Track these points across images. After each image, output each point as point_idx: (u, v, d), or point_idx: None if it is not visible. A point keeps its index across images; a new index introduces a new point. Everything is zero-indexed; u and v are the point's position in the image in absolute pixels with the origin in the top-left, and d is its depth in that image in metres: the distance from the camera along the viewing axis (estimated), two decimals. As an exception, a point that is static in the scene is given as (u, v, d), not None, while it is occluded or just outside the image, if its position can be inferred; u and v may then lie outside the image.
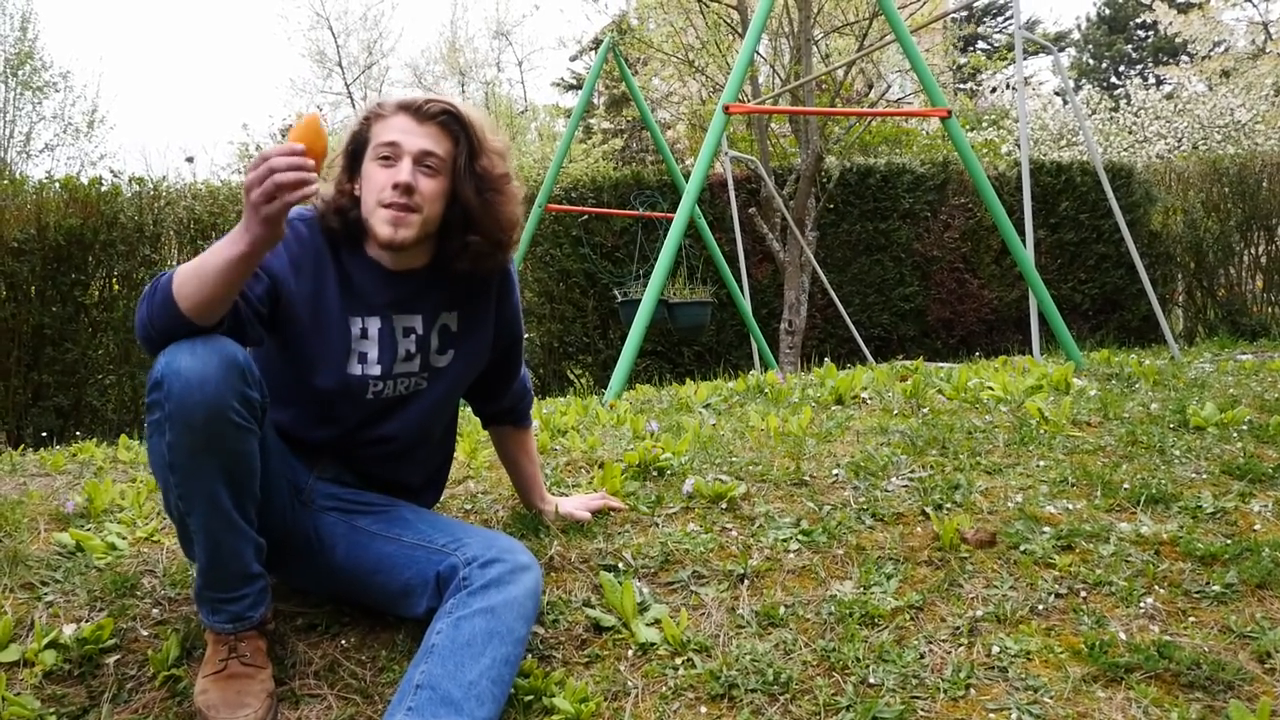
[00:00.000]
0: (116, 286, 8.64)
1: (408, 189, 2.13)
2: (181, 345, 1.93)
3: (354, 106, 24.69)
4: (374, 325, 2.25)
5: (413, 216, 2.15)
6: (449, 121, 2.19)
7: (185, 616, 2.33)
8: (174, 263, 8.86)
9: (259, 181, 1.75)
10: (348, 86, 24.99)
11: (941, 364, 7.70)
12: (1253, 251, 13.49)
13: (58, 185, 8.58)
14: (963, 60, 18.57)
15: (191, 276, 1.88)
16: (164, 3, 51.45)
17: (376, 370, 2.27)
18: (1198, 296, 13.55)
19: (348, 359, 2.24)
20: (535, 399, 4.84)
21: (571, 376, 10.72)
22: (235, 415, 1.93)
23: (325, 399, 2.26)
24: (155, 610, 2.36)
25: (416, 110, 2.18)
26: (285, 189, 1.75)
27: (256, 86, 50.51)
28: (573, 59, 29.97)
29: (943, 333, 12.39)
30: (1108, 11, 38.95)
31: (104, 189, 8.57)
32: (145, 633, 2.28)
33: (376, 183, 2.16)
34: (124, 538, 2.74)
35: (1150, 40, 36.07)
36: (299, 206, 2.01)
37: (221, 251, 1.84)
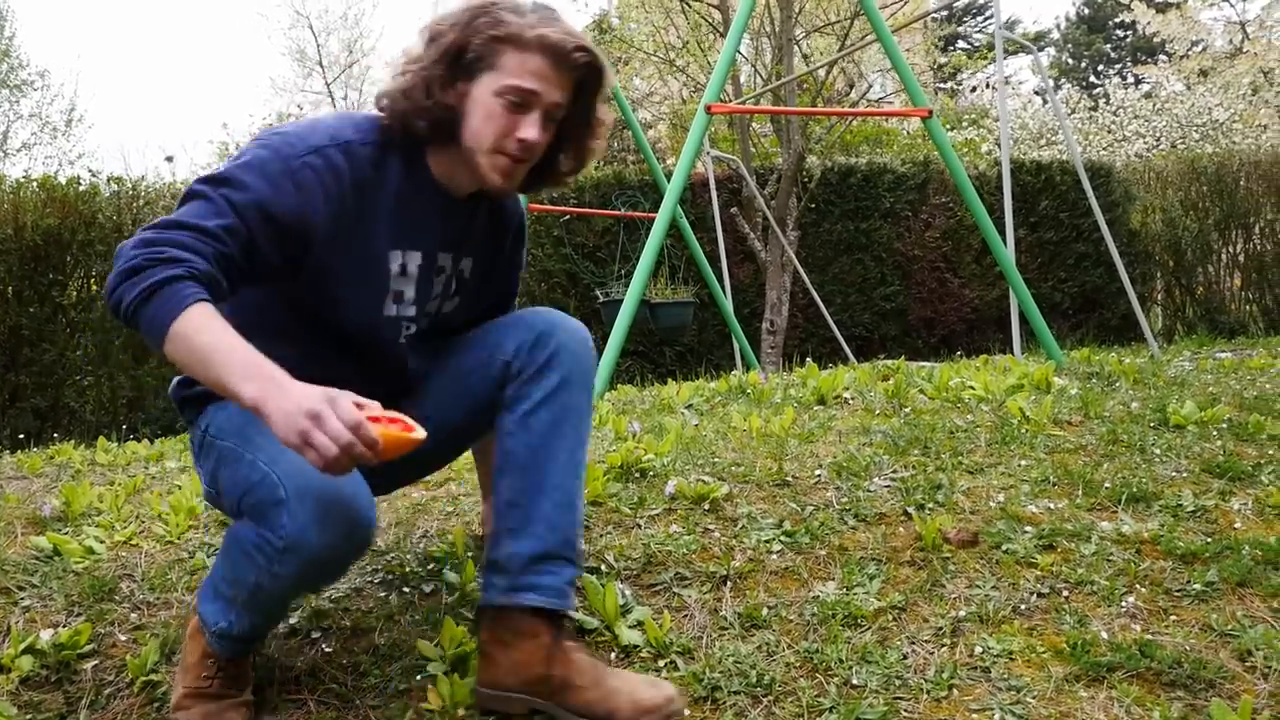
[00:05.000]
0: (95, 287, 8.57)
1: (535, 148, 1.97)
2: (343, 483, 1.73)
3: (334, 106, 24.59)
4: (414, 261, 2.06)
5: (524, 166, 2.00)
6: (585, 76, 1.99)
7: (164, 621, 2.31)
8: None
9: (329, 445, 1.54)
10: (328, 86, 24.87)
11: (923, 363, 7.71)
12: (1230, 250, 13.57)
13: (35, 185, 8.51)
14: (943, 60, 18.64)
15: (189, 356, 1.64)
16: (143, 1, 51.16)
17: (411, 311, 2.10)
18: (1176, 294, 13.62)
19: (384, 299, 2.05)
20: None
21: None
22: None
23: (348, 340, 2.05)
24: (134, 615, 2.35)
25: (562, 57, 1.93)
26: (332, 461, 1.55)
27: (236, 85, 50.25)
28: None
29: (924, 332, 12.42)
30: (1086, 11, 39.13)
31: (82, 188, 8.51)
32: (123, 638, 2.26)
33: (498, 124, 1.93)
34: (102, 541, 2.72)
35: (1129, 40, 36.25)
36: (337, 130, 1.91)
37: (233, 381, 1.60)
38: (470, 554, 2.57)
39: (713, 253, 9.98)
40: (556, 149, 2.07)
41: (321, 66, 24.55)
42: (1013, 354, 6.11)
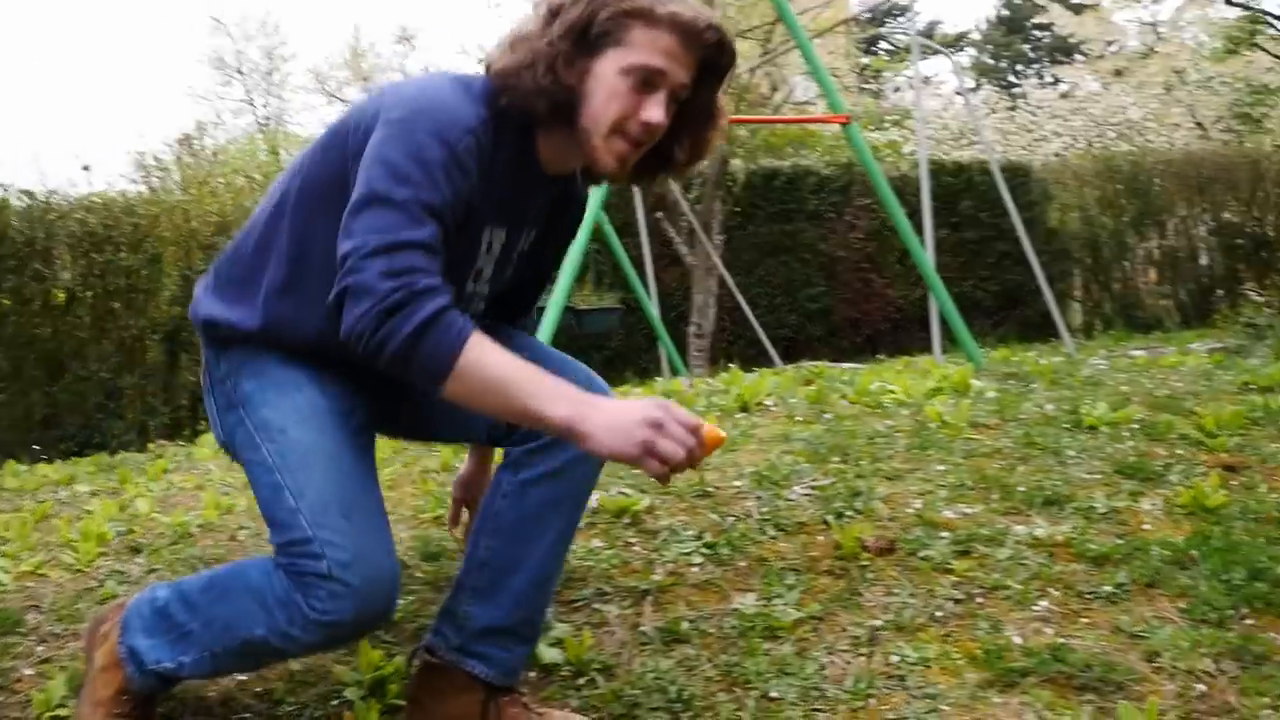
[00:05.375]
0: (7, 301, 8.36)
1: (657, 131, 1.82)
2: (384, 561, 1.74)
3: (255, 114, 24.27)
4: (499, 239, 1.94)
5: (639, 152, 1.84)
6: (713, 57, 1.84)
7: (72, 654, 2.25)
8: (67, 276, 8.59)
9: (677, 451, 1.55)
10: (248, 93, 24.55)
11: (847, 365, 7.78)
12: (1146, 246, 13.90)
13: (-58, 198, 8.29)
14: (866, 60, 18.85)
15: (482, 387, 1.61)
16: (58, 7, 49.99)
17: (485, 289, 2.00)
18: (1094, 291, 13.91)
19: (467, 277, 1.94)
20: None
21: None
22: None
23: None
24: (40, 648, 2.29)
25: (693, 36, 1.78)
26: (676, 467, 1.57)
27: (153, 93, 49.15)
28: (480, 64, 29.78)
29: (849, 332, 12.55)
30: (1005, 12, 39.76)
31: (-8, 202, 8.30)
32: (29, 672, 2.20)
33: (621, 104, 1.78)
34: (7, 571, 2.65)
35: (1047, 40, 36.87)
36: (474, 104, 1.77)
37: (539, 404, 1.60)
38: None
39: (638, 257, 10.00)
40: (671, 138, 1.91)
41: (240, 74, 24.22)
42: (933, 356, 6.19)
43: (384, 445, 3.64)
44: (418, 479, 3.21)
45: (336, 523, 1.72)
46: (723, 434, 1.64)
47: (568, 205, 2.12)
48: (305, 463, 1.78)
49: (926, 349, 9.84)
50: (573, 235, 2.25)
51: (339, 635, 1.74)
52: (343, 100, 24.47)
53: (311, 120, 27.26)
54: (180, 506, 3.09)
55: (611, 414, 1.57)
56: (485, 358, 1.61)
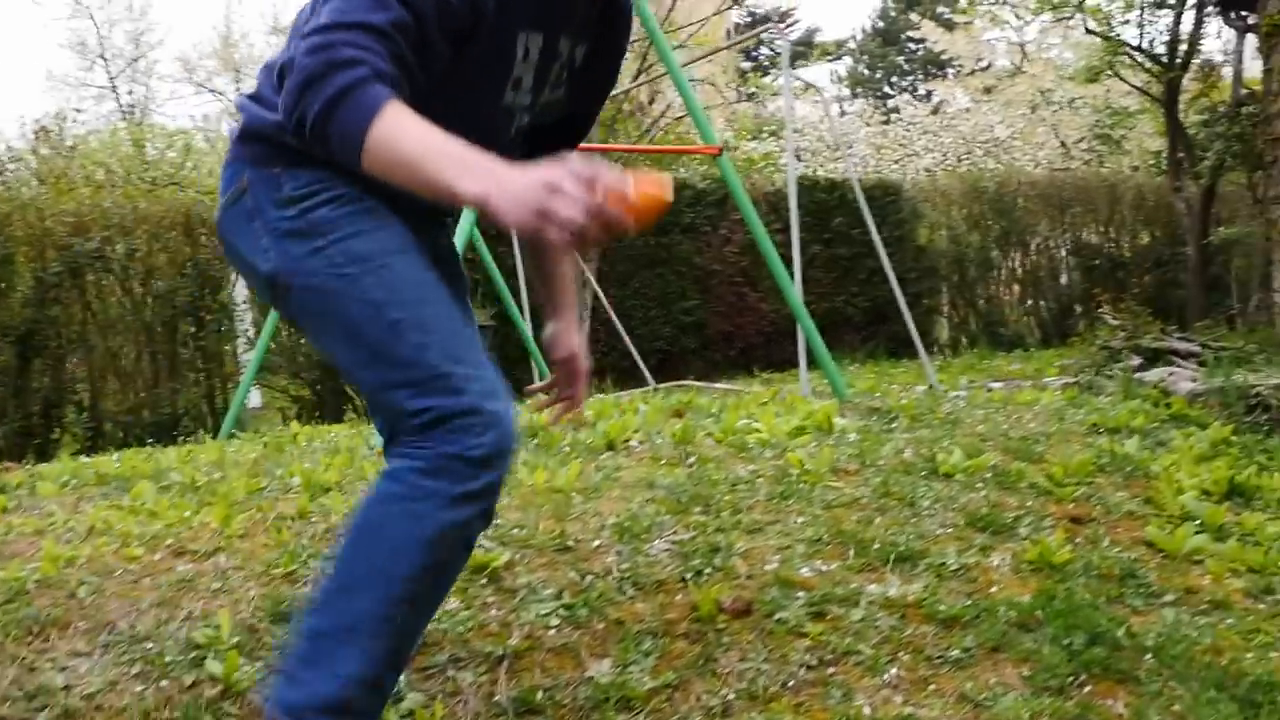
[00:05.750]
0: None
1: None
2: (506, 395, 1.67)
3: (119, 101, 23.46)
4: (536, 44, 1.82)
5: None
6: None
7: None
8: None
9: (574, 212, 1.40)
10: (112, 80, 23.71)
11: (719, 385, 7.86)
12: (1009, 264, 14.36)
13: None
14: (747, 65, 19.05)
15: (394, 159, 1.49)
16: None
17: (526, 99, 1.89)
18: (960, 307, 14.31)
19: (505, 86, 1.83)
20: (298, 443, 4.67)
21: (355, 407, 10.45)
22: None
23: (457, 131, 1.59)
24: None
25: None
26: (582, 229, 1.41)
27: (7, 78, 47.03)
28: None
29: (723, 345, 12.67)
30: (881, 24, 40.56)
31: None
32: None
33: None
34: None
35: (920, 54, 37.74)
36: None
37: (450, 179, 1.45)
38: (236, 639, 2.46)
39: (512, 267, 9.95)
40: None
41: (104, 59, 23.39)
42: (799, 389, 6.27)
43: (239, 486, 3.54)
44: (271, 528, 3.11)
45: (468, 355, 1.68)
46: (666, 196, 1.46)
47: (614, 15, 2.02)
48: (422, 297, 1.70)
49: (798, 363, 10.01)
50: (622, 51, 2.15)
51: (498, 475, 1.66)
52: (212, 91, 23.82)
53: (179, 110, 26.37)
54: (17, 558, 2.93)
55: (512, 184, 1.43)
56: (399, 131, 1.49)
